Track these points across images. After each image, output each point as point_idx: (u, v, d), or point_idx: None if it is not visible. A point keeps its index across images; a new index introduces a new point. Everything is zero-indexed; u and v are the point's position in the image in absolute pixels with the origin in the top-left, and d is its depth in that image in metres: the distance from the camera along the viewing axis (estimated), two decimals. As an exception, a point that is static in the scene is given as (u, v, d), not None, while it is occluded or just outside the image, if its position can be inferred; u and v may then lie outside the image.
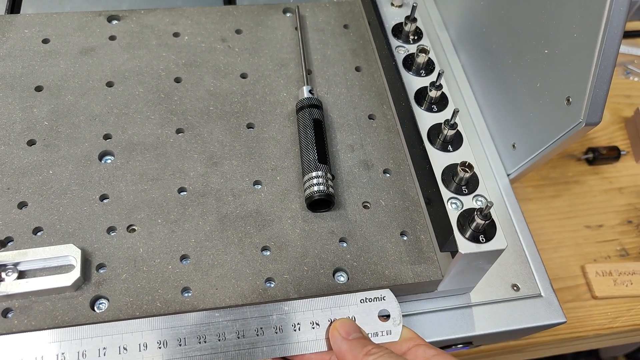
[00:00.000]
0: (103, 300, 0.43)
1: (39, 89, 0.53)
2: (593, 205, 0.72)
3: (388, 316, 0.43)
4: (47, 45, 0.57)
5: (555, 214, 0.70)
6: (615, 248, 0.68)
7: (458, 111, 0.46)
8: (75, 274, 0.43)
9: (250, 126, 0.53)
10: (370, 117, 0.55)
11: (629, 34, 0.92)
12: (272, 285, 0.44)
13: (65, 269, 0.44)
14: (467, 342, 0.52)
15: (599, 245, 0.68)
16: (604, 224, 0.70)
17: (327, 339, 0.42)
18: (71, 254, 0.43)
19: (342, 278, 0.46)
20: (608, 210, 0.72)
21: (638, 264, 0.67)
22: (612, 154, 0.75)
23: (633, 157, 0.77)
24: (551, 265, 0.66)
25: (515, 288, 0.52)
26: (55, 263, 0.44)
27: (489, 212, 0.42)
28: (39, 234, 0.45)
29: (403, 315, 0.48)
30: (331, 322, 0.42)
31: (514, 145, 0.57)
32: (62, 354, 0.39)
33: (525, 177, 0.73)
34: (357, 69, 0.59)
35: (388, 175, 0.52)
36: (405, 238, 0.48)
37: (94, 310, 0.42)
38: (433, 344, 0.49)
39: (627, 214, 0.71)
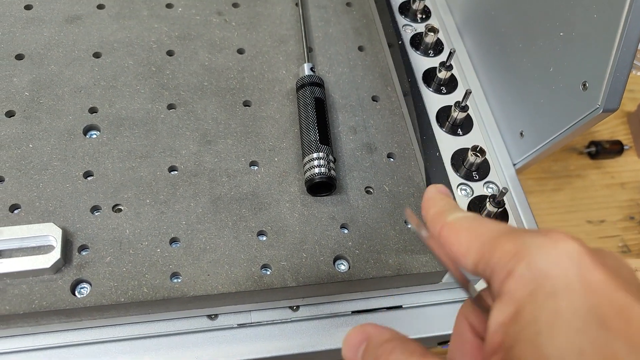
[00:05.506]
0: (85, 285, 0.40)
1: (19, 57, 0.50)
2: (595, 200, 0.70)
3: None
4: (29, 11, 0.53)
5: (556, 208, 0.68)
6: (617, 244, 0.67)
7: (470, 92, 0.43)
8: (55, 255, 0.39)
9: (247, 104, 0.50)
10: (374, 98, 0.52)
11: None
12: (269, 273, 0.41)
13: (44, 249, 0.40)
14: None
15: (601, 241, 0.67)
16: (605, 220, 0.68)
17: None
18: (51, 233, 0.40)
19: (342, 266, 0.43)
20: (610, 205, 0.70)
21: (640, 261, 0.65)
22: (615, 148, 0.73)
23: (635, 152, 0.75)
24: (552, 260, 0.64)
25: (521, 282, 0.49)
26: (33, 243, 0.40)
27: (503, 200, 0.39)
28: (16, 211, 0.42)
29: (405, 308, 0.46)
30: None
31: (521, 133, 0.55)
32: None
33: (527, 170, 0.70)
34: (360, 48, 0.56)
35: (392, 159, 0.49)
36: (409, 226, 0.45)
37: (74, 295, 0.39)
38: (435, 338, 0.47)
39: (630, 209, 0.70)
